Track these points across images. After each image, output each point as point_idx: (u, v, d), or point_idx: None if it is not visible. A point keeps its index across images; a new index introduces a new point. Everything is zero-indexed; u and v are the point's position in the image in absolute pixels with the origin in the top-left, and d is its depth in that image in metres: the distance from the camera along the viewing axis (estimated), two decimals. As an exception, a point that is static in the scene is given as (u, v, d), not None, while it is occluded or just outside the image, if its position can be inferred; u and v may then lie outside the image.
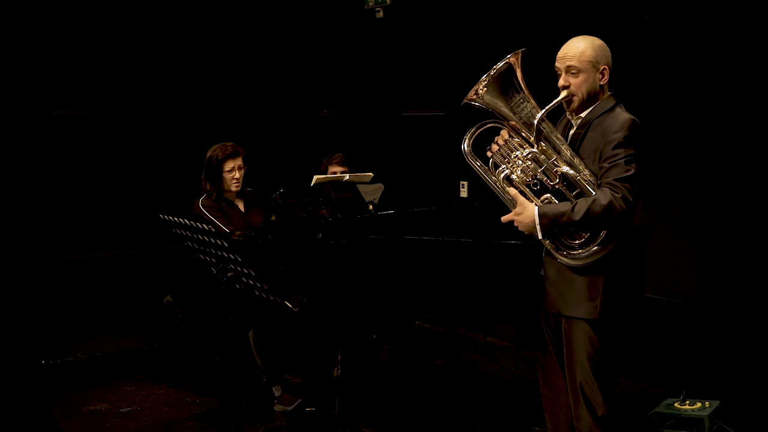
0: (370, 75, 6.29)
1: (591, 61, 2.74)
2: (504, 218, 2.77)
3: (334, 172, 4.63)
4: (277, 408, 4.20)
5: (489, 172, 2.83)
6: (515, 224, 2.74)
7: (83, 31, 5.55)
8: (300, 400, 4.19)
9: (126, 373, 4.81)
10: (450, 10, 5.56)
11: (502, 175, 2.79)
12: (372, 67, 6.26)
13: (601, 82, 2.78)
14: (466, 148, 2.83)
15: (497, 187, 2.80)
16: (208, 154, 4.27)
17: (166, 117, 5.98)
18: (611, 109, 2.76)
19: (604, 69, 2.77)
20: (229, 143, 4.29)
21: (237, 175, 4.23)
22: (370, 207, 4.10)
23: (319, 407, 4.14)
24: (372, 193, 4.24)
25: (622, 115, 2.72)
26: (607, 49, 2.80)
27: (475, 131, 2.84)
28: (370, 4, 6.10)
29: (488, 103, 2.77)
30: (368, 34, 6.22)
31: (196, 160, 5.86)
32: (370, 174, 4.28)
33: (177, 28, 5.96)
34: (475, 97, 2.77)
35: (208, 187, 4.26)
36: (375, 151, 6.06)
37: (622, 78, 4.43)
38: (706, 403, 3.57)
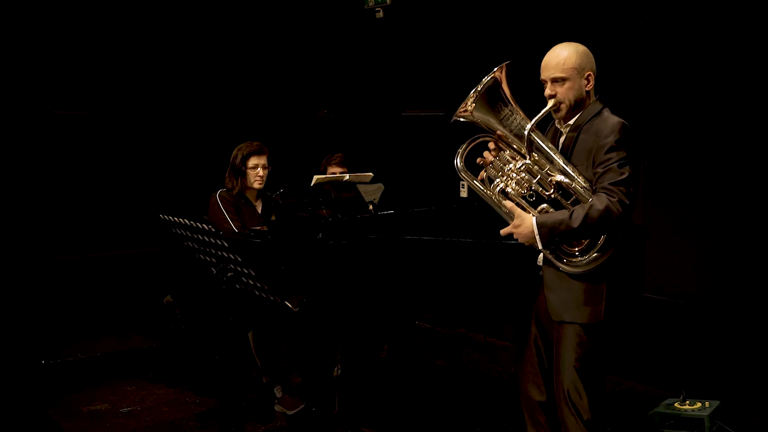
0: (370, 75, 6.29)
1: (575, 68, 2.75)
2: (503, 231, 2.79)
3: (334, 173, 4.63)
4: (278, 408, 4.20)
5: (484, 187, 2.84)
6: (514, 236, 2.75)
7: (84, 31, 5.55)
8: (302, 405, 4.17)
9: (126, 373, 4.81)
10: (450, 10, 5.56)
11: (498, 188, 2.80)
12: (372, 67, 6.26)
13: (587, 88, 2.79)
14: (459, 164, 2.85)
15: (493, 201, 2.82)
16: (234, 151, 4.34)
17: (166, 117, 5.98)
18: (599, 113, 2.77)
19: (589, 75, 2.79)
20: (256, 142, 4.37)
21: (261, 172, 4.30)
22: (370, 207, 4.10)
23: (319, 407, 4.14)
24: (372, 193, 4.24)
25: (611, 119, 2.73)
26: (591, 54, 2.81)
27: (467, 147, 2.86)
28: (370, 4, 6.10)
29: (478, 119, 2.79)
30: (368, 34, 6.22)
31: (196, 160, 5.90)
32: (370, 174, 4.28)
33: (177, 28, 5.96)
34: (463, 113, 2.79)
35: (231, 182, 4.31)
36: (375, 151, 6.06)
37: (623, 78, 4.45)
38: (706, 403, 3.57)
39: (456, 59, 5.48)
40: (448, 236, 3.37)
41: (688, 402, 3.58)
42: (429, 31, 5.75)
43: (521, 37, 4.96)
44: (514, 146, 2.79)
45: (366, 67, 6.32)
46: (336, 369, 4.06)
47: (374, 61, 6.23)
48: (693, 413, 3.50)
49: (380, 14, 6.05)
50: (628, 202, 2.61)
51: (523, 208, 2.75)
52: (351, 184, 4.14)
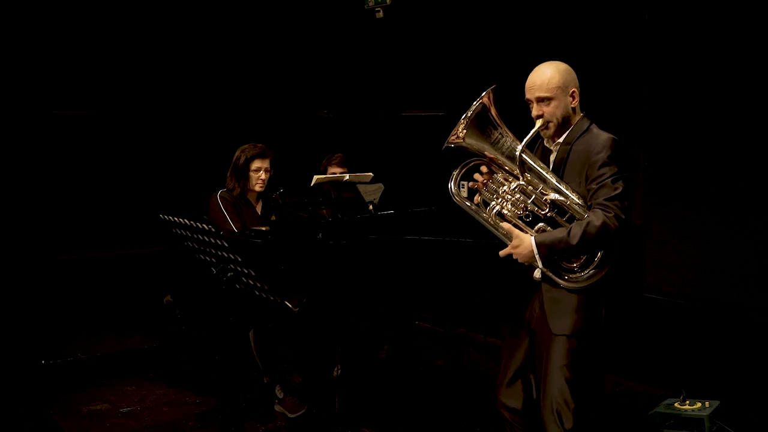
0: (370, 75, 6.29)
1: (560, 87, 2.78)
2: (502, 252, 2.80)
3: (334, 173, 4.63)
4: (278, 409, 4.20)
5: (480, 210, 2.86)
6: (514, 257, 2.77)
7: (84, 31, 5.55)
8: (304, 409, 4.16)
9: (126, 373, 4.81)
10: (450, 10, 5.56)
11: (494, 211, 2.82)
12: (372, 67, 6.25)
13: (573, 105, 2.82)
14: (453, 189, 2.88)
15: (490, 223, 2.83)
16: (237, 152, 4.33)
17: (166, 117, 5.98)
18: (588, 130, 2.81)
19: (574, 92, 2.82)
20: (260, 144, 4.35)
21: (263, 175, 4.29)
22: (370, 207, 4.10)
23: (319, 407, 4.14)
24: (372, 193, 4.24)
25: (602, 135, 2.76)
26: (573, 72, 2.84)
27: (460, 172, 2.90)
28: (370, 4, 6.10)
29: (470, 144, 2.82)
30: (368, 34, 6.22)
31: (196, 160, 5.90)
32: (370, 174, 4.28)
33: (177, 28, 5.96)
34: (455, 139, 2.82)
35: (232, 183, 4.30)
36: (375, 151, 6.06)
37: (623, 78, 4.45)
38: (706, 403, 3.57)
39: (456, 59, 5.48)
40: (448, 236, 3.37)
41: (688, 402, 3.58)
42: (429, 31, 5.75)
43: (521, 36, 4.96)
44: (506, 168, 2.82)
45: (366, 67, 6.31)
46: (336, 369, 4.06)
47: (374, 61, 6.23)
48: (693, 413, 3.50)
49: (380, 14, 6.05)
50: (623, 217, 2.65)
51: (520, 229, 2.77)
52: (351, 184, 4.14)
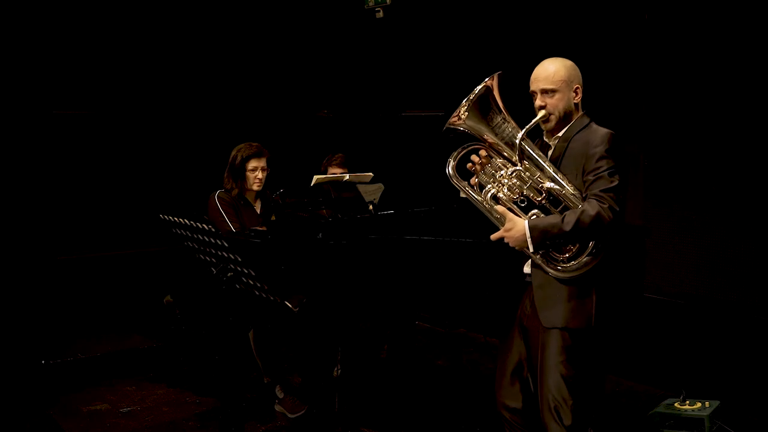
0: (370, 75, 6.29)
1: (565, 81, 2.81)
2: (494, 236, 2.80)
3: (334, 173, 4.63)
4: (278, 409, 4.20)
5: (476, 193, 2.87)
6: (506, 240, 2.77)
7: (84, 30, 5.55)
8: (305, 410, 4.16)
9: (126, 373, 4.81)
10: (450, 10, 5.56)
11: (489, 194, 2.83)
12: (372, 67, 6.25)
13: (575, 101, 2.85)
14: (450, 171, 2.90)
15: (485, 206, 2.84)
16: (233, 152, 4.32)
17: (166, 117, 5.98)
18: (587, 126, 2.83)
19: (577, 88, 2.84)
20: (255, 143, 4.34)
21: (260, 175, 4.28)
22: (370, 207, 4.10)
23: (319, 407, 4.14)
24: (372, 193, 4.24)
25: (601, 130, 2.79)
26: (578, 69, 2.86)
27: (458, 154, 2.90)
28: (370, 4, 6.10)
29: (470, 127, 2.83)
30: (368, 34, 6.21)
31: (196, 160, 5.90)
32: (370, 174, 4.28)
33: (177, 28, 5.96)
34: (456, 120, 2.83)
35: (229, 183, 4.29)
36: (375, 151, 6.06)
37: (623, 77, 4.45)
38: (706, 403, 3.57)
39: (456, 59, 5.47)
40: (448, 236, 3.37)
41: (688, 402, 3.58)
42: (429, 31, 5.75)
43: (521, 36, 4.96)
44: (505, 154, 2.83)
45: (366, 67, 6.31)
46: (336, 369, 4.06)
47: (374, 61, 6.23)
48: (693, 413, 3.50)
49: (380, 14, 6.05)
50: (617, 209, 2.66)
51: (514, 213, 2.78)
52: (351, 184, 4.14)
